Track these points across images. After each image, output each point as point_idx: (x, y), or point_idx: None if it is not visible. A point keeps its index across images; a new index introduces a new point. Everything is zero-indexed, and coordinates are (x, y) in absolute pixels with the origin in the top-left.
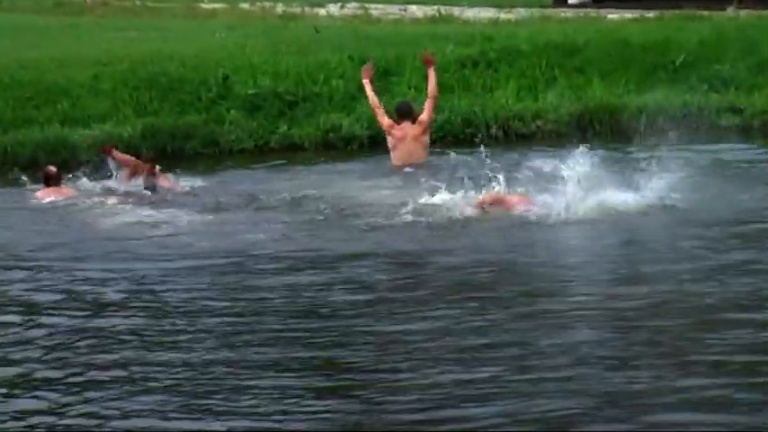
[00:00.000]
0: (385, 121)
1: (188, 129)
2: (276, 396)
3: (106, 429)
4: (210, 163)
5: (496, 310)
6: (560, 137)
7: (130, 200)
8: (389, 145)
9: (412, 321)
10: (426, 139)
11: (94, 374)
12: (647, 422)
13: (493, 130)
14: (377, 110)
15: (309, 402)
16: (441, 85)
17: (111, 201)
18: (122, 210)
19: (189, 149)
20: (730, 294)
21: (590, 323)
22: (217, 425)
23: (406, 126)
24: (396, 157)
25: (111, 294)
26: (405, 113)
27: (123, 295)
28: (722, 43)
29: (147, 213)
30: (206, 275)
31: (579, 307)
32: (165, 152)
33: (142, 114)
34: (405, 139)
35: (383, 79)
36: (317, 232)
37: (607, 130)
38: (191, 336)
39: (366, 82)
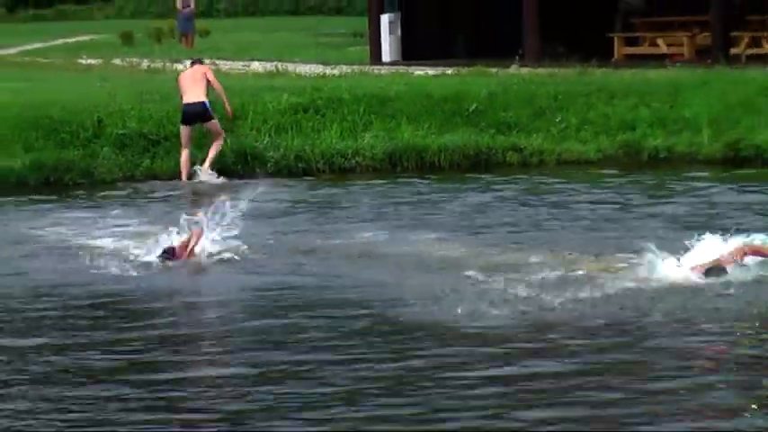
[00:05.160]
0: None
1: (68, 163)
2: None
3: None
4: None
5: None
6: (375, 171)
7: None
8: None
9: None
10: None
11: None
12: None
13: (320, 165)
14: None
15: None
16: (278, 128)
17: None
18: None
19: (68, 180)
20: None
21: None
22: None
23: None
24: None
25: None
26: (194, 62)
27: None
28: (507, 95)
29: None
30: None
31: None
32: (49, 182)
33: (29, 150)
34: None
35: (231, 123)
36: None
37: (413, 166)
38: None
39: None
